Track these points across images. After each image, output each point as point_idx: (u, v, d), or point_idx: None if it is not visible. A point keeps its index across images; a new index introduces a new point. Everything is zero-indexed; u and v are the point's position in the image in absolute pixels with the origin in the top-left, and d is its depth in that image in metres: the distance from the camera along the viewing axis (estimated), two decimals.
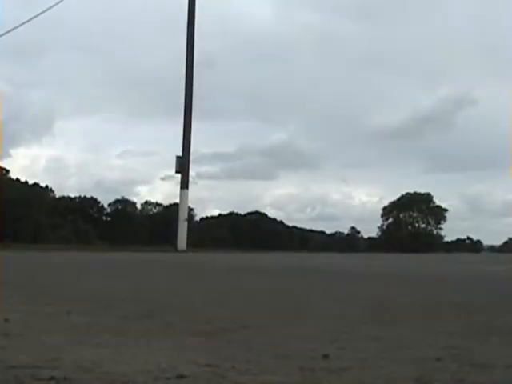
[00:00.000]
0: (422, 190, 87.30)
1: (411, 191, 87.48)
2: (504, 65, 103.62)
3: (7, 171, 55.31)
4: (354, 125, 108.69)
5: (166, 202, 72.37)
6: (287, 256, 24.32)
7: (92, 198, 68.62)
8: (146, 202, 75.38)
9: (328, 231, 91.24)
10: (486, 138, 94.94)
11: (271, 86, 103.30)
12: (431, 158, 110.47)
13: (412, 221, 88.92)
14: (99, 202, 69.01)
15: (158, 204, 74.90)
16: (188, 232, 22.86)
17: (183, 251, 21.86)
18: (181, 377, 1.97)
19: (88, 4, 72.85)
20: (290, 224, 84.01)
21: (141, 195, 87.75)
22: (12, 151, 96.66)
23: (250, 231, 71.85)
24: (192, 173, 25.05)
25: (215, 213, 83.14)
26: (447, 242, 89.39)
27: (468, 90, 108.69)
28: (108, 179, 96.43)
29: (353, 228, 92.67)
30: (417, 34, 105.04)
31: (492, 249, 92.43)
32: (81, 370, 2.03)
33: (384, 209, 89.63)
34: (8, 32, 24.80)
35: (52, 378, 1.92)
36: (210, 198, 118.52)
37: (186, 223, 22.68)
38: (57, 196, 63.56)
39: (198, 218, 72.78)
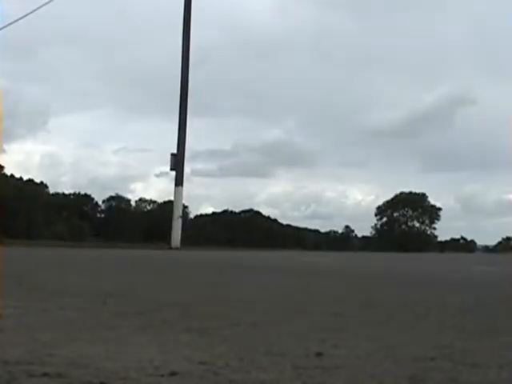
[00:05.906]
0: (417, 190, 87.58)
1: (406, 190, 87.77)
2: (504, 64, 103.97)
3: (1, 167, 55.24)
4: (351, 123, 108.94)
5: (160, 199, 72.51)
6: (281, 254, 24.33)
7: (86, 194, 68.63)
8: (141, 199, 75.44)
9: (322, 230, 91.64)
10: (482, 137, 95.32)
11: (267, 83, 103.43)
12: (427, 157, 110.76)
13: (406, 220, 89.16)
14: (93, 199, 69.02)
15: (152, 201, 75.00)
16: (182, 229, 22.87)
17: (177, 249, 21.87)
18: (174, 374, 1.97)
19: (85, 0, 72.75)
20: (285, 222, 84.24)
21: (135, 192, 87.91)
22: (6, 147, 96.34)
23: (245, 229, 71.90)
24: (187, 170, 25.07)
25: (209, 210, 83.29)
26: (441, 242, 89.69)
27: (466, 90, 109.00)
28: (103, 176, 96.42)
29: (347, 227, 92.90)
30: (416, 32, 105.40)
31: (486, 249, 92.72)
32: (74, 366, 2.03)
33: (378, 208, 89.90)
34: (5, 27, 24.72)
35: (45, 374, 1.92)
36: (205, 196, 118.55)
37: (180, 220, 22.68)
38: (51, 192, 63.55)
39: (192, 216, 72.83)
